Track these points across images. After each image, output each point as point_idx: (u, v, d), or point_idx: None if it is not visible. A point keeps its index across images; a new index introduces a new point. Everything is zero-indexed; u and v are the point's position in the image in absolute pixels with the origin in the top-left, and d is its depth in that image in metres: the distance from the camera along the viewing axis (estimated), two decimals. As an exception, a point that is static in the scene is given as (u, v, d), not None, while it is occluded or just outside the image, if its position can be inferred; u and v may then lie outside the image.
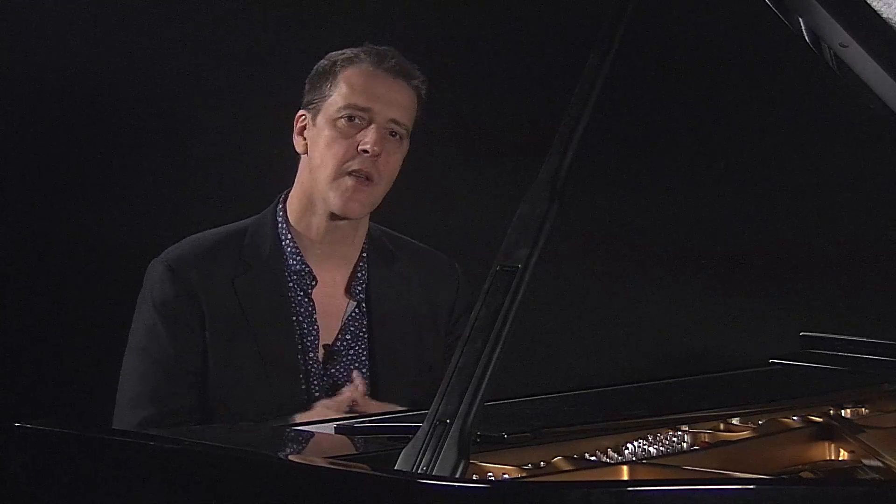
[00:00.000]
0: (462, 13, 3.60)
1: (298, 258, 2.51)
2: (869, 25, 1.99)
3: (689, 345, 3.81)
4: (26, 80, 3.21)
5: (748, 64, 3.78)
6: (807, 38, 2.13)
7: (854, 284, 3.82)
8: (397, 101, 2.49)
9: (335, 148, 2.46)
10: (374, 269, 2.56)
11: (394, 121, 2.48)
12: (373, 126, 2.46)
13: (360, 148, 2.45)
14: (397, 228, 2.68)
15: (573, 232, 3.58)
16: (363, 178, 2.46)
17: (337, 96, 2.48)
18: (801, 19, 2.10)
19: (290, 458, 1.90)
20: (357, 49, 2.52)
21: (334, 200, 2.46)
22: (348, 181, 2.46)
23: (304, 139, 2.52)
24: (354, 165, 2.46)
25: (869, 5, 1.97)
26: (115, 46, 3.27)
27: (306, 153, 2.52)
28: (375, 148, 2.44)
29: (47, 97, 3.24)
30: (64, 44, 3.23)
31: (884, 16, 1.98)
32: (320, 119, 2.49)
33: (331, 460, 1.82)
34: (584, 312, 3.80)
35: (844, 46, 2.04)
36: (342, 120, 2.47)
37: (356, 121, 2.47)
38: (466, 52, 3.62)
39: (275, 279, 2.49)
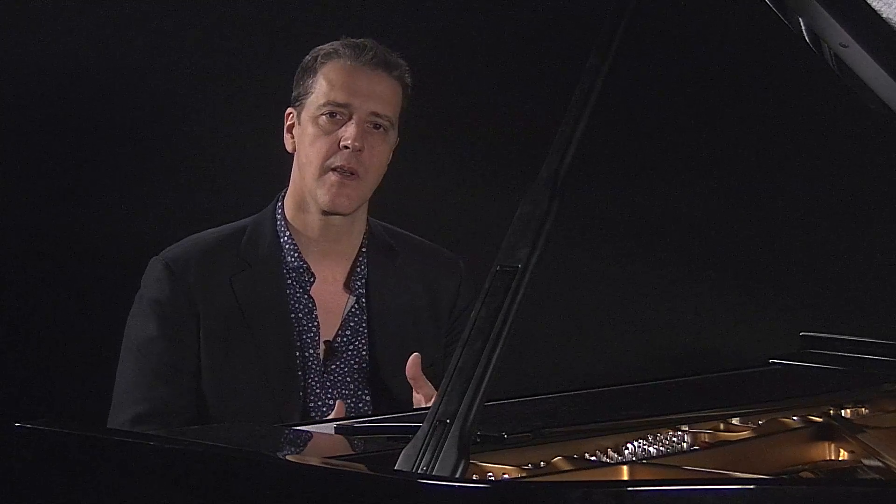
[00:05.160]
0: (464, 12, 3.60)
1: (296, 255, 2.51)
2: (869, 25, 1.99)
3: (689, 345, 3.81)
4: (25, 80, 3.21)
5: (748, 64, 3.78)
6: (807, 38, 2.13)
7: (854, 284, 3.82)
8: (377, 94, 2.48)
9: (318, 145, 2.47)
10: (373, 264, 2.57)
11: (375, 114, 2.48)
12: (353, 121, 2.46)
13: (341, 144, 2.46)
14: (398, 225, 2.67)
15: (573, 232, 3.58)
16: (347, 173, 2.46)
17: (318, 93, 2.48)
18: (801, 19, 2.10)
19: (290, 458, 1.90)
20: (336, 44, 2.52)
21: (322, 197, 2.47)
22: (333, 177, 2.46)
23: (293, 137, 2.53)
24: (337, 161, 2.46)
25: (869, 5, 1.97)
26: (113, 46, 3.27)
27: (295, 151, 2.53)
28: (356, 143, 2.45)
29: (46, 97, 3.24)
30: (63, 44, 3.22)
31: (884, 16, 1.98)
32: (304, 116, 2.50)
33: (330, 460, 1.82)
34: (584, 312, 3.80)
35: (844, 46, 2.04)
36: (323, 117, 2.47)
37: (337, 116, 2.47)
38: (468, 50, 3.62)
39: (273, 277, 2.49)
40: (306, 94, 2.50)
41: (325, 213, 2.49)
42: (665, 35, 3.47)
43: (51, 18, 3.21)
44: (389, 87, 2.50)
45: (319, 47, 2.53)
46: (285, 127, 2.55)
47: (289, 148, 2.54)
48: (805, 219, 3.87)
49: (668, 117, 3.79)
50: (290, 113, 2.54)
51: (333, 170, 2.46)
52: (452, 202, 3.60)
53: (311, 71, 2.51)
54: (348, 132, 2.45)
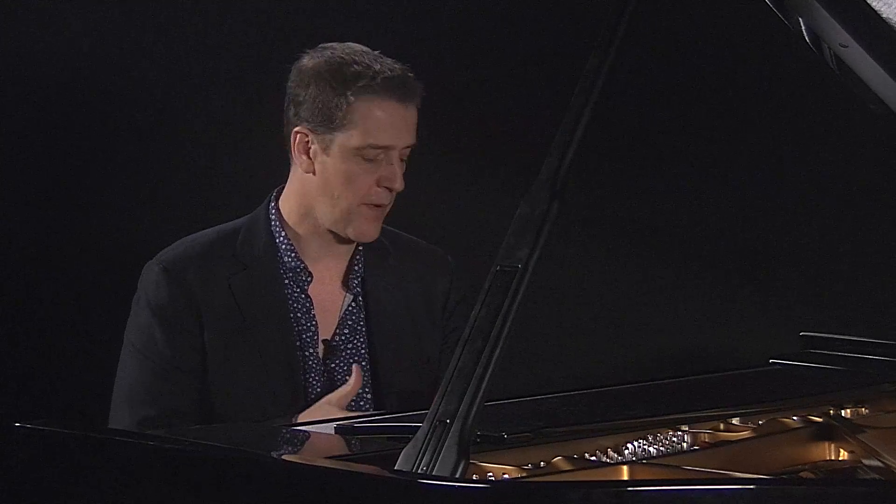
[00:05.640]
0: (463, 11, 3.60)
1: (293, 254, 2.51)
2: (869, 25, 1.99)
3: (689, 345, 3.81)
4: (23, 80, 3.21)
5: (748, 64, 3.78)
6: (807, 38, 2.13)
7: (854, 284, 3.82)
8: (410, 127, 2.46)
9: (357, 184, 2.44)
10: (369, 262, 2.57)
11: (408, 147, 2.47)
12: (394, 161, 2.44)
13: (384, 184, 2.44)
14: (397, 226, 2.67)
15: (573, 232, 3.58)
16: (380, 207, 2.47)
17: (354, 132, 2.41)
18: (801, 19, 2.10)
19: (290, 458, 1.90)
20: (365, 70, 2.42)
21: (350, 230, 2.47)
22: (368, 213, 2.46)
23: (310, 159, 2.46)
24: (376, 200, 2.45)
25: (869, 5, 1.97)
26: (110, 47, 3.27)
27: (313, 174, 2.47)
28: (399, 185, 2.45)
29: (44, 97, 3.24)
30: (61, 45, 3.22)
31: (884, 16, 1.98)
32: (335, 150, 2.43)
33: (331, 460, 1.82)
34: (584, 312, 3.80)
35: (844, 46, 2.04)
36: (360, 157, 2.43)
37: (375, 156, 2.44)
38: (467, 50, 3.62)
39: (270, 277, 2.49)
40: (332, 125, 2.42)
41: (343, 238, 2.49)
42: (665, 35, 3.47)
43: (50, 18, 3.20)
44: (415, 115, 2.48)
45: (340, 61, 2.43)
46: (296, 146, 2.46)
47: (304, 169, 2.47)
48: (805, 219, 3.87)
49: (668, 117, 3.79)
50: (305, 135, 2.45)
51: (369, 205, 2.45)
52: (452, 202, 3.60)
53: (340, 101, 2.42)
54: (394, 176, 2.44)
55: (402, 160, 2.47)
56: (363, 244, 2.56)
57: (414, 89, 2.47)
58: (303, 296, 2.50)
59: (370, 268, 2.56)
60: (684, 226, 3.83)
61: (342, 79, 2.43)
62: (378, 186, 2.45)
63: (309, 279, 2.51)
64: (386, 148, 2.44)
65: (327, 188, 2.46)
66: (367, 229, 2.48)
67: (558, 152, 1.85)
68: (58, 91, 3.25)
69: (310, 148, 2.46)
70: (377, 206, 2.46)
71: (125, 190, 3.31)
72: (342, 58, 2.45)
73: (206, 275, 2.46)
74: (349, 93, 2.42)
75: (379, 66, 2.44)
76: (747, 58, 3.75)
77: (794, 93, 3.77)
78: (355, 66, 2.44)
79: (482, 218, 3.47)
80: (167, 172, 3.33)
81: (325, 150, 2.45)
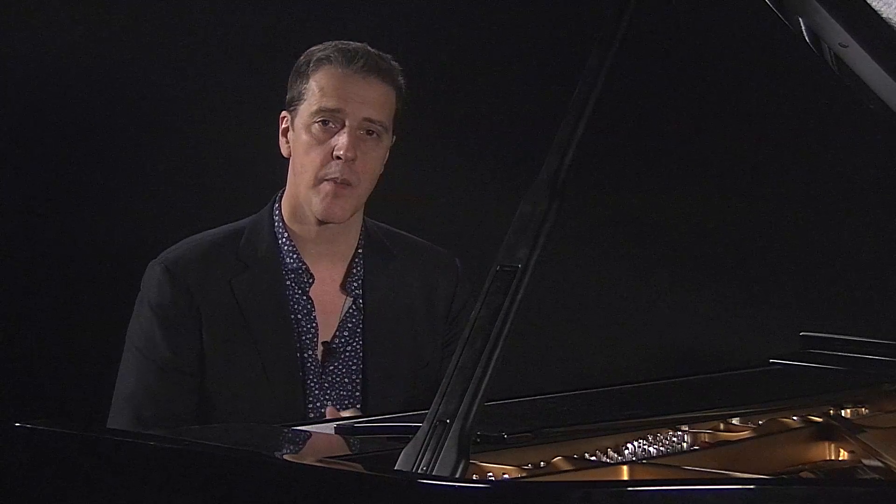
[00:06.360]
0: (464, 11, 3.60)
1: (295, 256, 2.51)
2: (869, 25, 1.99)
3: (689, 345, 3.81)
4: (25, 81, 3.21)
5: (748, 64, 3.78)
6: (807, 38, 2.13)
7: (854, 284, 3.82)
8: (370, 100, 2.46)
9: (312, 154, 2.45)
10: (369, 265, 2.56)
11: (368, 119, 2.45)
12: (345, 130, 2.44)
13: (334, 154, 2.44)
14: (397, 225, 2.67)
15: (573, 232, 3.58)
16: (341, 183, 2.45)
17: (310, 100, 2.46)
18: (801, 19, 2.10)
19: (290, 458, 1.90)
20: (329, 47, 2.49)
21: (316, 207, 2.46)
22: (327, 187, 2.45)
23: (287, 142, 2.51)
24: (331, 172, 2.44)
25: (869, 5, 1.97)
26: (113, 47, 3.27)
27: (290, 156, 2.51)
28: (349, 154, 2.43)
29: (45, 98, 3.24)
30: (62, 45, 3.23)
31: (884, 16, 1.98)
32: (297, 123, 2.48)
33: (331, 460, 1.82)
34: (584, 312, 3.80)
35: (844, 46, 2.04)
36: (316, 125, 2.45)
37: (330, 125, 2.44)
38: (468, 49, 3.62)
39: (272, 278, 2.49)
40: (299, 99, 2.48)
41: (319, 221, 2.49)
42: (665, 35, 3.47)
43: (50, 18, 3.20)
44: (382, 92, 2.48)
45: (313, 49, 2.51)
46: (280, 130, 2.53)
47: (284, 152, 2.52)
48: (805, 218, 3.87)
49: (668, 117, 3.79)
50: (285, 117, 2.52)
51: (327, 180, 2.45)
52: (452, 202, 3.60)
53: (303, 76, 2.48)
54: (341, 142, 2.43)
55: (368, 134, 2.46)
56: (364, 248, 2.56)
57: (376, 65, 2.48)
58: (304, 297, 2.50)
59: (370, 270, 2.56)
60: (683, 226, 3.83)
61: (307, 59, 2.50)
62: (332, 158, 2.44)
63: (311, 281, 2.51)
64: (335, 112, 2.44)
65: (295, 165, 2.50)
66: (330, 206, 2.45)
67: (558, 152, 1.85)
68: (60, 91, 3.26)
69: (287, 129, 2.51)
70: (335, 181, 2.45)
71: (127, 189, 3.31)
72: (317, 46, 2.52)
73: (208, 275, 2.46)
74: (309, 66, 2.48)
75: (342, 45, 2.50)
76: (747, 58, 3.75)
77: (793, 93, 3.77)
78: (319, 51, 2.51)
79: (482, 218, 3.47)
80: (171, 172, 3.33)
81: (293, 125, 2.49)
